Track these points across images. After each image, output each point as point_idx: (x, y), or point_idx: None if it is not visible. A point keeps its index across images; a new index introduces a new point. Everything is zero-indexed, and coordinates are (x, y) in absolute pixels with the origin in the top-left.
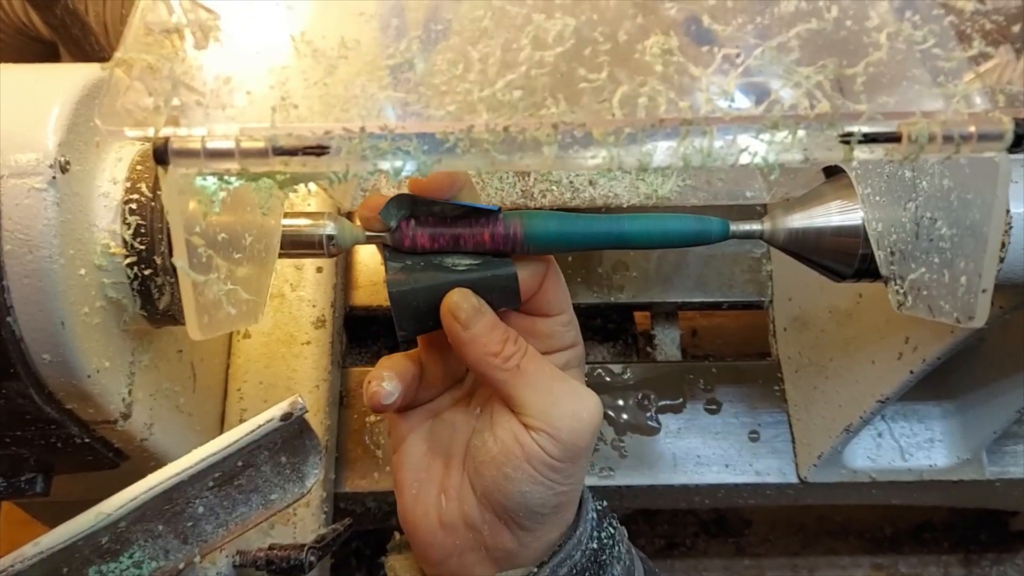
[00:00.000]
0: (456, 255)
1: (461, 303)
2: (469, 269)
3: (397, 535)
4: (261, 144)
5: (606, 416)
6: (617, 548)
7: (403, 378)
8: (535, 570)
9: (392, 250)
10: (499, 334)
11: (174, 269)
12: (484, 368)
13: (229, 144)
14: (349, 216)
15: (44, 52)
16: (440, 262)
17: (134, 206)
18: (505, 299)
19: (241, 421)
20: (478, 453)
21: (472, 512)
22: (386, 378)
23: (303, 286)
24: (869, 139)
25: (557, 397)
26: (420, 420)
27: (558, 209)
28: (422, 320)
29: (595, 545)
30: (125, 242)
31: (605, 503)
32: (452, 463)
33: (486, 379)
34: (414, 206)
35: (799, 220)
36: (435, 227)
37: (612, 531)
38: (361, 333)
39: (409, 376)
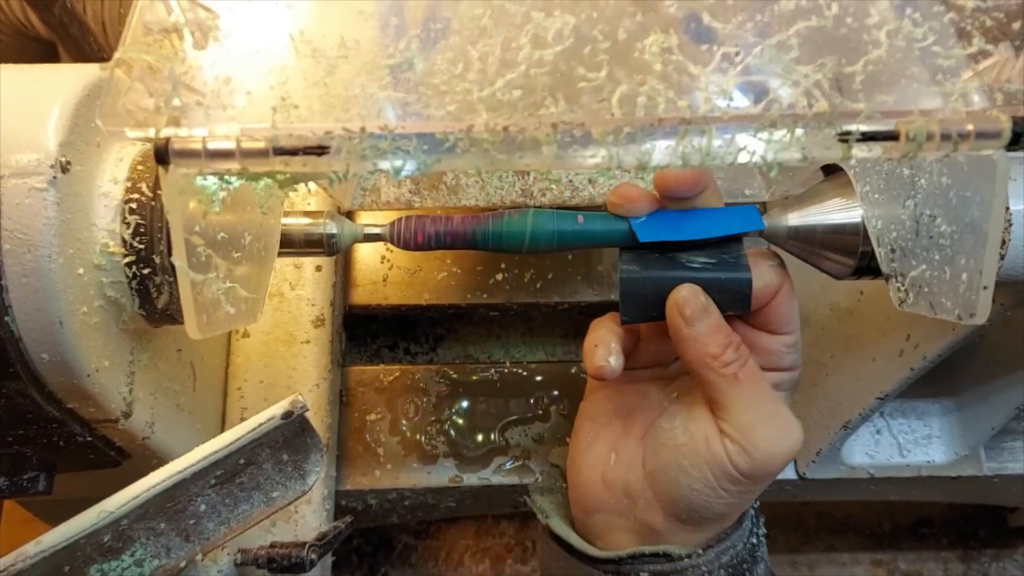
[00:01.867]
0: (693, 251)
1: (689, 299)
2: (703, 267)
3: (539, 476)
4: (262, 144)
5: None
6: (764, 548)
7: (626, 351)
8: (700, 551)
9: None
10: (722, 337)
11: (173, 268)
12: (699, 367)
13: (230, 144)
14: (349, 215)
15: (43, 52)
16: (675, 256)
17: (134, 206)
18: (734, 304)
19: (242, 419)
20: (663, 435)
21: (635, 482)
22: (613, 352)
23: (302, 285)
24: (867, 137)
25: (764, 417)
26: (617, 380)
27: (558, 207)
28: (647, 309)
29: (754, 540)
30: (124, 241)
31: (758, 503)
32: (632, 429)
33: (699, 377)
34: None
35: (798, 218)
36: (435, 226)
37: (763, 531)
38: (360, 332)
39: (629, 348)
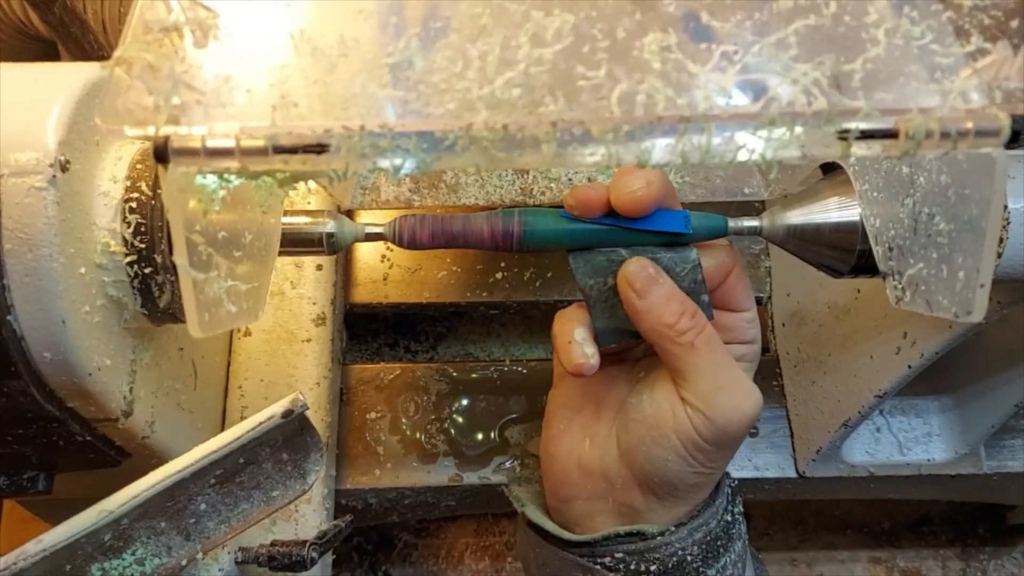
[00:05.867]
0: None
1: (638, 272)
2: (648, 252)
3: (517, 467)
4: (261, 142)
5: None
6: (741, 527)
7: (593, 337)
8: (673, 528)
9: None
10: (676, 306)
11: (174, 267)
12: (656, 338)
13: (229, 143)
14: (349, 214)
15: (43, 51)
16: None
17: (134, 204)
18: (689, 284)
19: (242, 418)
20: (632, 410)
21: (611, 464)
22: (588, 345)
23: (303, 284)
24: (866, 136)
25: (723, 384)
26: None
27: (557, 206)
28: (611, 311)
29: (728, 518)
30: (125, 240)
31: (736, 481)
32: (603, 412)
33: (658, 348)
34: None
35: (797, 216)
36: (435, 225)
37: (740, 509)
38: (361, 330)
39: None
